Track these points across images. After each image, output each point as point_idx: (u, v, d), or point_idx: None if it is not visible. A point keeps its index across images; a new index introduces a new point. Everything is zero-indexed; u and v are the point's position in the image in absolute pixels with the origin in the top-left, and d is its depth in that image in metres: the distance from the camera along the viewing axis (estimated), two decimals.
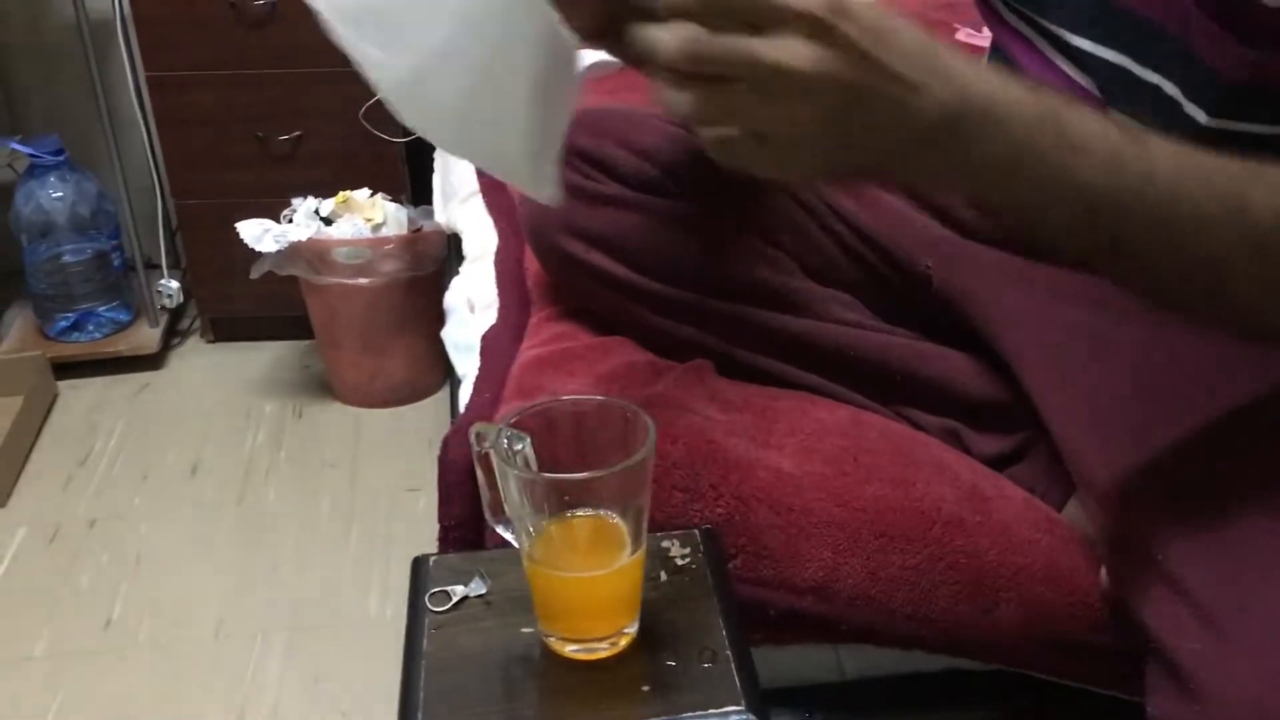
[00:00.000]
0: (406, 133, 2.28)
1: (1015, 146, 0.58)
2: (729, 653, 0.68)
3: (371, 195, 2.19)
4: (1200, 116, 0.73)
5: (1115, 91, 0.79)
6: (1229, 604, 0.64)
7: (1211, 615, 0.64)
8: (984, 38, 2.13)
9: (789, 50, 0.54)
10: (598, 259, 0.95)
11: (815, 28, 0.54)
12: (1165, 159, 0.58)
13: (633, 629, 0.69)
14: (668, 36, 0.56)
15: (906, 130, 0.57)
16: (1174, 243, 0.59)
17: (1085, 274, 0.86)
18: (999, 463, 0.92)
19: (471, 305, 1.29)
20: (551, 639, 0.69)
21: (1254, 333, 0.65)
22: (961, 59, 0.58)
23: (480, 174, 1.60)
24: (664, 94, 0.58)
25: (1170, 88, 0.75)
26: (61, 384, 2.33)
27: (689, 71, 0.56)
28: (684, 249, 0.95)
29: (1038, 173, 0.58)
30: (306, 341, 2.41)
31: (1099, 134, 0.58)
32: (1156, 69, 0.75)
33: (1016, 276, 0.91)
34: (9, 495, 2.02)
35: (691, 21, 0.56)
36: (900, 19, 0.57)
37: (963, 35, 2.14)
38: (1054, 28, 0.81)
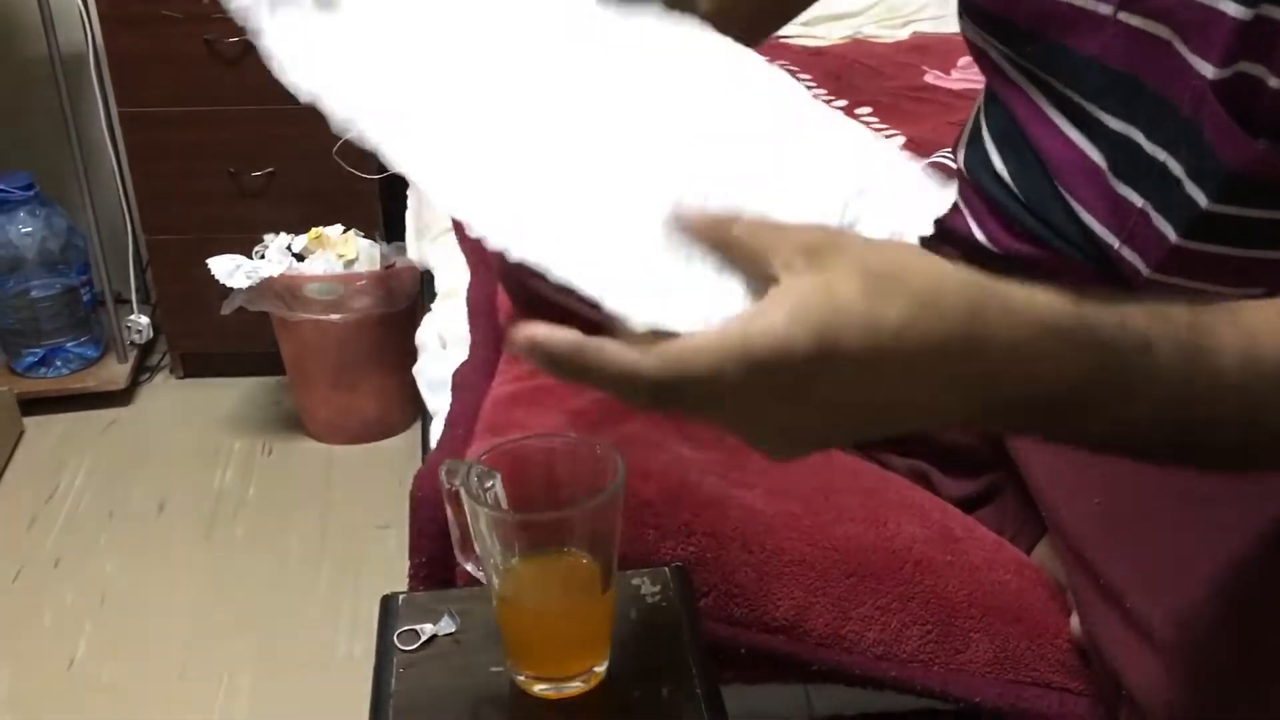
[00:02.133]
0: (380, 169, 2.28)
1: (1070, 409, 0.51)
2: (699, 691, 0.68)
3: (344, 231, 2.19)
4: (1200, 199, 0.73)
5: (1120, 163, 0.79)
6: (1196, 653, 0.64)
7: (1177, 665, 0.64)
8: (952, 80, 2.16)
9: (785, 397, 0.48)
10: (567, 299, 0.95)
11: (805, 375, 0.47)
12: (1231, 358, 0.52)
13: (603, 667, 0.68)
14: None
15: (942, 413, 0.51)
16: (1244, 443, 0.55)
17: None
18: (967, 505, 0.92)
19: (443, 341, 1.29)
20: (521, 678, 0.68)
21: None
22: (1004, 325, 0.48)
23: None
24: None
25: (1175, 167, 0.75)
26: (28, 420, 2.31)
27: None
28: None
29: (1094, 423, 0.52)
30: (277, 377, 2.40)
31: (1167, 369, 0.51)
32: (1165, 147, 0.76)
33: None
34: None
35: None
36: (929, 299, 0.47)
37: (930, 78, 2.18)
38: (1068, 92, 0.82)
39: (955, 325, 0.47)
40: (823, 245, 0.48)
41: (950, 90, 2.09)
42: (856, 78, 2.17)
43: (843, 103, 2.05)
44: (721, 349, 0.47)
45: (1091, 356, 0.50)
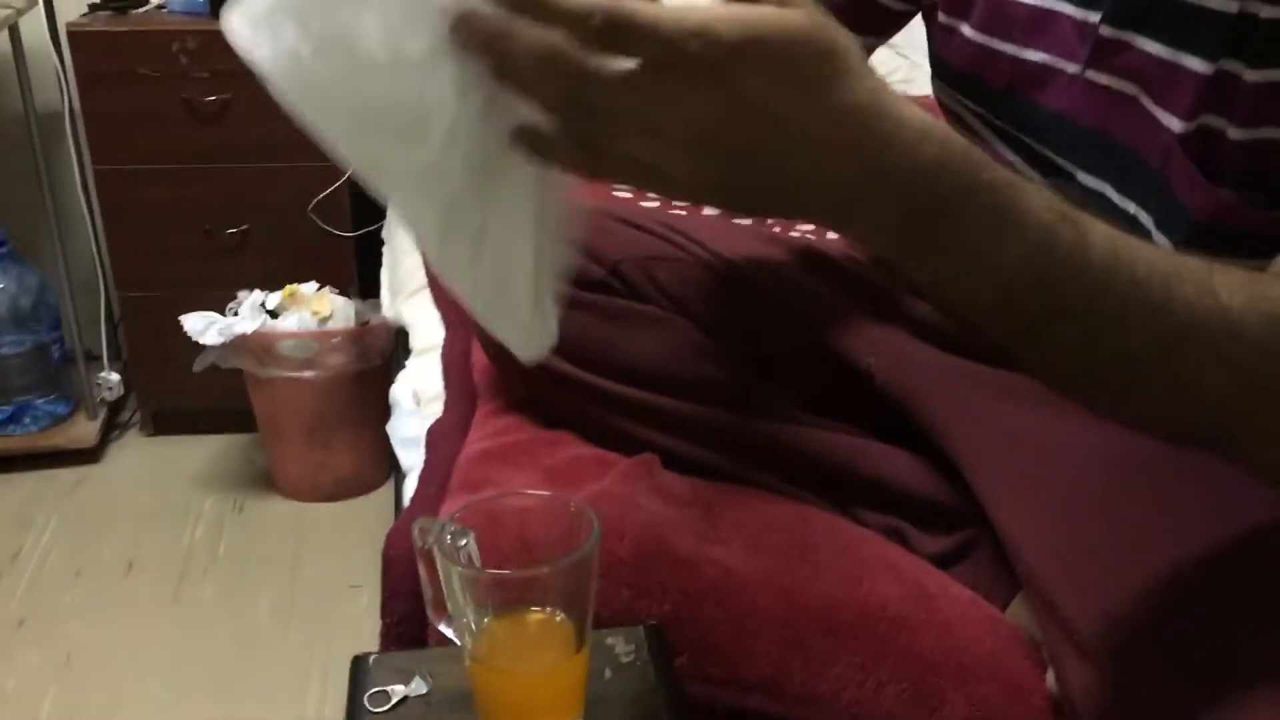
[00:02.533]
0: (356, 227, 2.29)
1: (944, 219, 0.55)
2: None
3: (319, 289, 2.19)
4: (1169, 248, 0.75)
5: (1093, 214, 0.81)
6: (1178, 714, 0.64)
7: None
8: None
9: (674, 88, 0.50)
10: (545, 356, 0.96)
11: (707, 70, 0.49)
12: (1100, 248, 0.57)
13: None
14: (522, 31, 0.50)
15: (818, 186, 0.54)
16: (1089, 337, 0.58)
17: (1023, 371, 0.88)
18: (942, 561, 0.92)
19: (418, 398, 1.28)
20: None
21: (1158, 433, 0.65)
22: (908, 115, 0.54)
23: (428, 268, 1.60)
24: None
25: (1145, 218, 0.77)
26: None
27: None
28: (628, 346, 0.96)
29: (962, 247, 0.56)
30: (249, 435, 2.38)
31: (1034, 215, 0.56)
32: (1135, 199, 0.78)
33: (960, 375, 0.92)
34: None
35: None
36: (841, 48, 0.52)
37: None
38: (1039, 147, 0.84)
39: (871, 82, 0.53)
40: None
41: None
42: None
43: None
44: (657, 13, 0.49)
45: (975, 172, 0.54)
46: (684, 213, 1.25)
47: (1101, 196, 0.80)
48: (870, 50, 1.00)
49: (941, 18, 0.88)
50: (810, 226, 1.80)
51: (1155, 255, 0.58)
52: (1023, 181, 0.57)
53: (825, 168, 0.53)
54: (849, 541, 0.90)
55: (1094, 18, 0.76)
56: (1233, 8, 0.68)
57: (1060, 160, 0.82)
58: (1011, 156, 0.86)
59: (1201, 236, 0.74)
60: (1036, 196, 0.56)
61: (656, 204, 1.90)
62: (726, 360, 0.97)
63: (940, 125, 0.55)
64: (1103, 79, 0.77)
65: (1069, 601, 0.74)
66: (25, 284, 2.28)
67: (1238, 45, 0.68)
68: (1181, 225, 0.74)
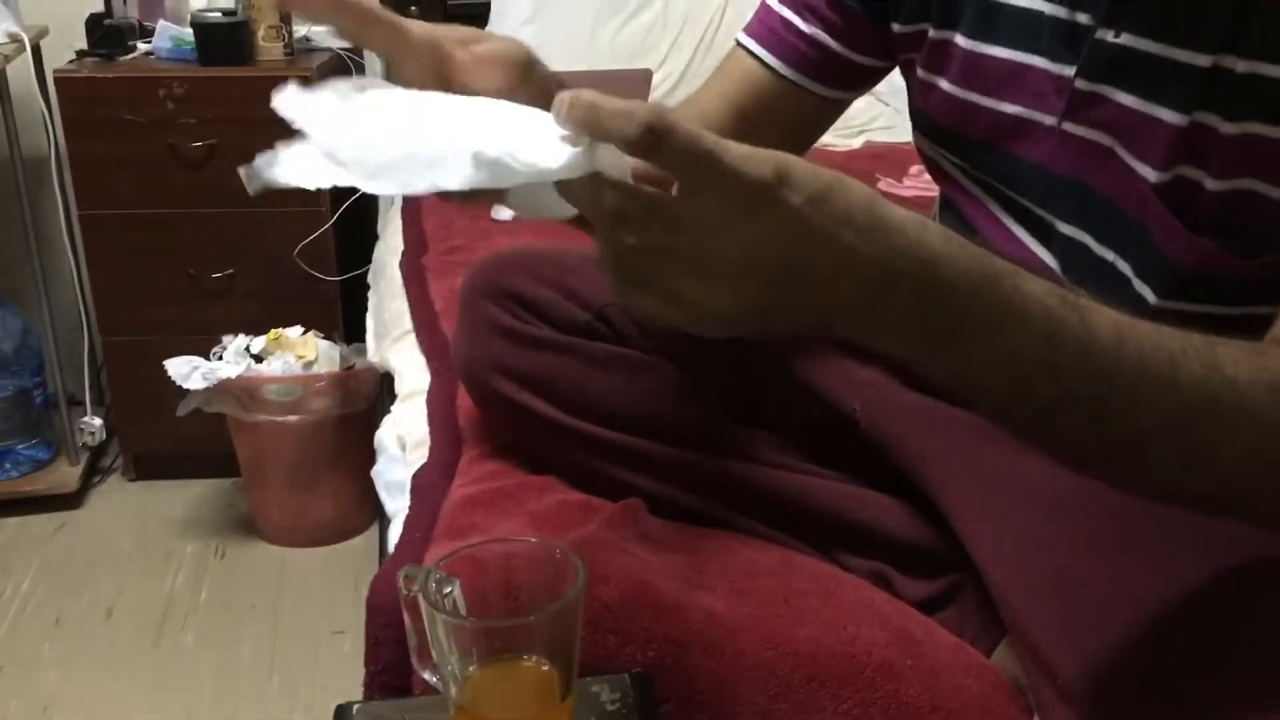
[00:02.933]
0: (341, 271, 2.29)
1: (955, 309, 0.56)
2: None
3: (304, 333, 2.19)
4: (1149, 296, 0.76)
5: (1071, 264, 0.82)
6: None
7: None
8: (904, 187, 2.21)
9: (721, 219, 0.52)
10: (529, 399, 0.97)
11: (760, 196, 0.52)
12: (1105, 331, 0.58)
13: None
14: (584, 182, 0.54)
15: (845, 291, 0.55)
16: (1102, 419, 0.59)
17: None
18: (927, 606, 0.92)
19: (403, 444, 1.28)
20: None
21: (1175, 504, 0.65)
22: (905, 217, 0.56)
23: (414, 313, 1.61)
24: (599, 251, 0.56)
25: (1124, 266, 0.78)
26: None
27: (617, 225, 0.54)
28: (614, 391, 0.96)
29: (974, 338, 0.57)
30: (232, 479, 2.37)
31: (1039, 302, 0.57)
32: (1113, 247, 0.79)
33: (945, 421, 0.93)
34: None
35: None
36: (841, 176, 0.55)
37: (884, 185, 2.22)
38: (1018, 197, 0.85)
39: (865, 198, 0.54)
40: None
41: (903, 197, 2.14)
42: None
43: None
44: (701, 133, 0.51)
45: (978, 262, 0.56)
46: None
47: (1080, 245, 0.81)
48: (843, 106, 1.00)
49: (920, 73, 0.89)
50: None
51: (1159, 334, 0.59)
52: (1024, 270, 0.58)
53: (849, 276, 0.54)
54: (834, 587, 0.90)
55: (1069, 71, 0.77)
56: (1205, 61, 0.70)
57: (1039, 210, 0.83)
58: (993, 208, 0.87)
59: (1182, 285, 0.75)
60: (1038, 284, 0.58)
61: None
62: (711, 404, 0.98)
63: (935, 224, 0.57)
64: (1079, 130, 0.78)
65: (1053, 647, 0.74)
66: (8, 328, 2.28)
67: (1211, 98, 0.70)
68: (1161, 274, 0.75)
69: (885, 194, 2.10)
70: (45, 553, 2.21)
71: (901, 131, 2.51)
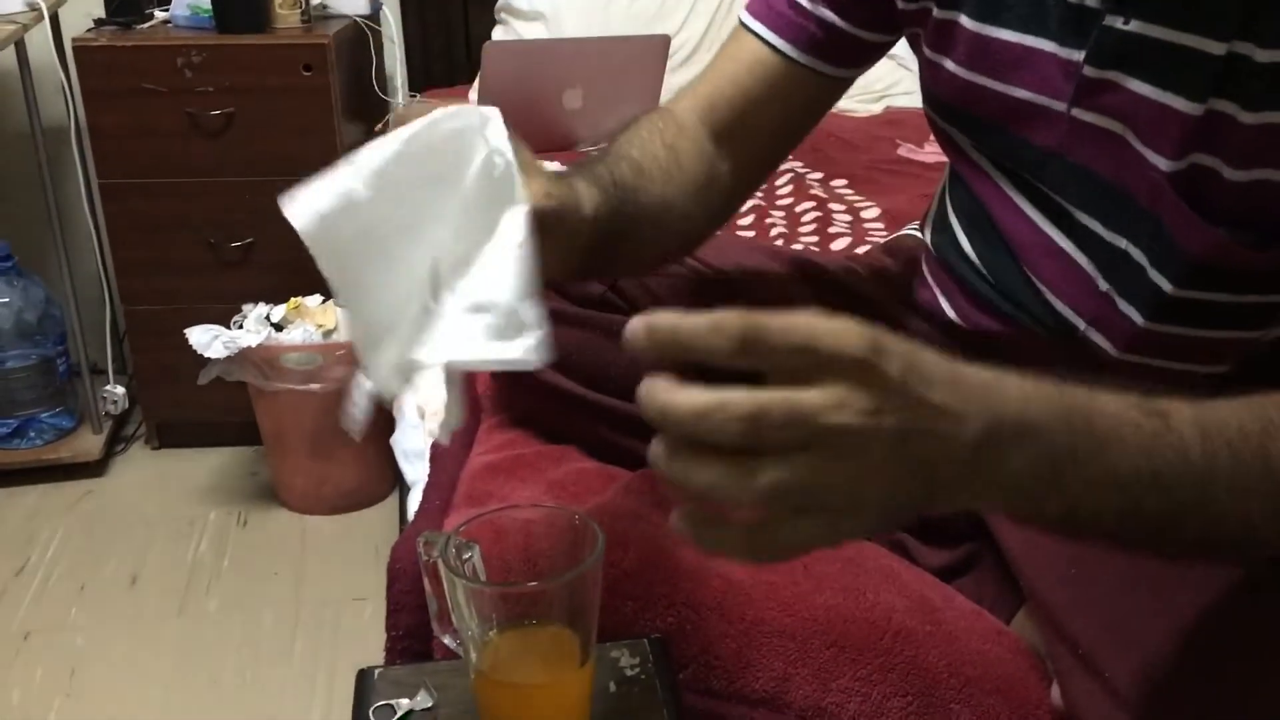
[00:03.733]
0: None
1: (1053, 450, 0.54)
2: None
3: (323, 301, 2.20)
4: (1164, 285, 0.75)
5: (1083, 249, 0.81)
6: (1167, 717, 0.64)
7: None
8: (925, 153, 2.19)
9: (845, 407, 0.49)
10: (546, 373, 0.96)
11: (862, 372, 0.49)
12: (1190, 430, 0.57)
13: None
14: (682, 400, 0.50)
15: (953, 459, 0.52)
16: (1212, 512, 0.57)
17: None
18: (945, 574, 0.92)
19: (421, 412, 1.28)
20: None
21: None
22: (984, 374, 0.54)
23: None
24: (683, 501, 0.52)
25: (1137, 254, 0.77)
26: (0, 491, 2.28)
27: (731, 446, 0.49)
28: (630, 363, 0.95)
29: (1079, 473, 0.55)
30: (253, 448, 2.39)
31: (1127, 420, 0.56)
32: (1126, 235, 0.78)
33: None
34: None
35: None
36: (920, 344, 0.53)
37: (904, 151, 2.21)
38: (1030, 179, 0.84)
39: (941, 357, 0.52)
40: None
41: (923, 163, 2.13)
42: (832, 151, 2.20)
43: (819, 175, 2.08)
44: (790, 323, 0.49)
45: (1076, 393, 0.55)
46: None
47: (1092, 232, 0.80)
48: (850, 82, 0.99)
49: (927, 52, 0.88)
50: (812, 239, 1.81)
51: (1240, 417, 0.58)
52: (1099, 390, 0.57)
53: (952, 438, 0.52)
54: (852, 553, 0.90)
55: (1077, 56, 0.75)
56: (1219, 49, 0.68)
57: (1050, 194, 0.82)
58: (1005, 187, 0.86)
59: (1196, 274, 0.74)
60: (1117, 401, 0.56)
61: None
62: (727, 374, 0.98)
63: (1010, 375, 0.55)
64: (1089, 117, 0.76)
65: (1072, 615, 0.74)
66: (31, 298, 2.29)
67: (1229, 86, 0.68)
68: (1175, 263, 0.75)
69: (905, 159, 2.08)
70: (70, 520, 2.23)
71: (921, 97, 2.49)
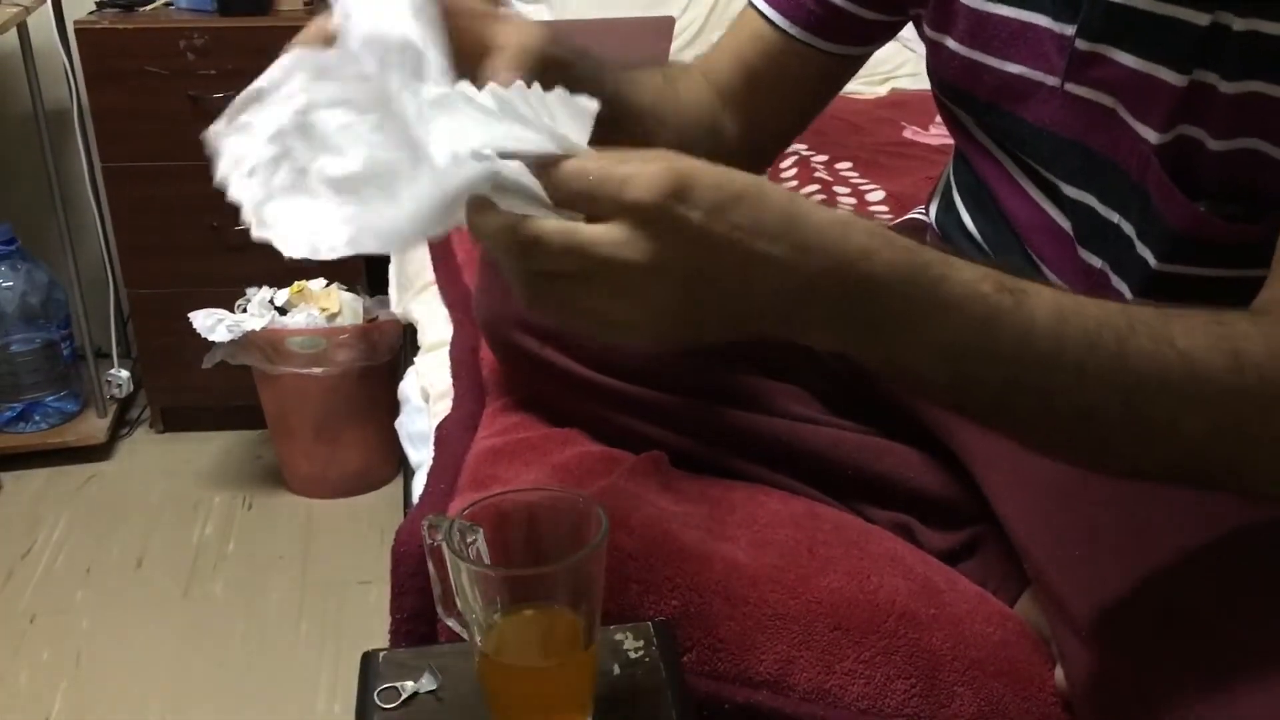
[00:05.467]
0: None
1: (879, 303, 0.56)
2: None
3: (327, 285, 2.20)
4: (1150, 259, 0.76)
5: (1080, 227, 0.82)
6: (1184, 707, 0.64)
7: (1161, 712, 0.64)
8: (930, 136, 2.18)
9: (622, 242, 0.53)
10: (551, 354, 0.96)
11: (651, 215, 0.53)
12: (1045, 313, 0.57)
13: None
14: (487, 221, 0.55)
15: (763, 297, 0.55)
16: (1050, 402, 0.59)
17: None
18: (949, 557, 0.92)
19: (426, 395, 1.28)
20: None
21: (1152, 479, 0.64)
22: (825, 219, 0.56)
23: (436, 265, 1.61)
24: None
25: (1128, 228, 0.78)
26: (5, 475, 2.29)
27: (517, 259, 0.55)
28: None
29: (903, 330, 0.57)
30: (258, 431, 2.39)
31: (974, 291, 0.57)
32: (1117, 209, 0.78)
33: None
34: None
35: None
36: (756, 183, 0.55)
37: (909, 133, 2.20)
38: (1027, 159, 0.84)
39: (781, 203, 0.55)
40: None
41: (928, 145, 2.12)
42: (837, 133, 2.19)
43: (824, 157, 2.07)
44: (583, 165, 0.54)
45: (906, 254, 0.56)
46: None
47: (1086, 208, 0.80)
48: (858, 63, 0.98)
49: (928, 31, 0.88)
50: None
51: (1106, 312, 0.58)
52: (957, 258, 0.58)
53: (762, 281, 0.55)
54: (857, 537, 0.90)
55: (1070, 30, 0.76)
56: (1203, 20, 0.68)
57: (1046, 173, 0.83)
58: (1006, 165, 0.87)
59: (1181, 248, 0.74)
60: (971, 270, 0.57)
61: None
62: (731, 358, 0.97)
63: (862, 219, 0.58)
64: (1081, 91, 0.77)
65: (1076, 598, 0.74)
66: (34, 282, 2.29)
67: (1210, 57, 0.69)
68: (1162, 237, 0.75)
69: (910, 142, 2.08)
70: (75, 504, 2.23)
71: (927, 79, 2.48)
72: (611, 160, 0.54)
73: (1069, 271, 0.84)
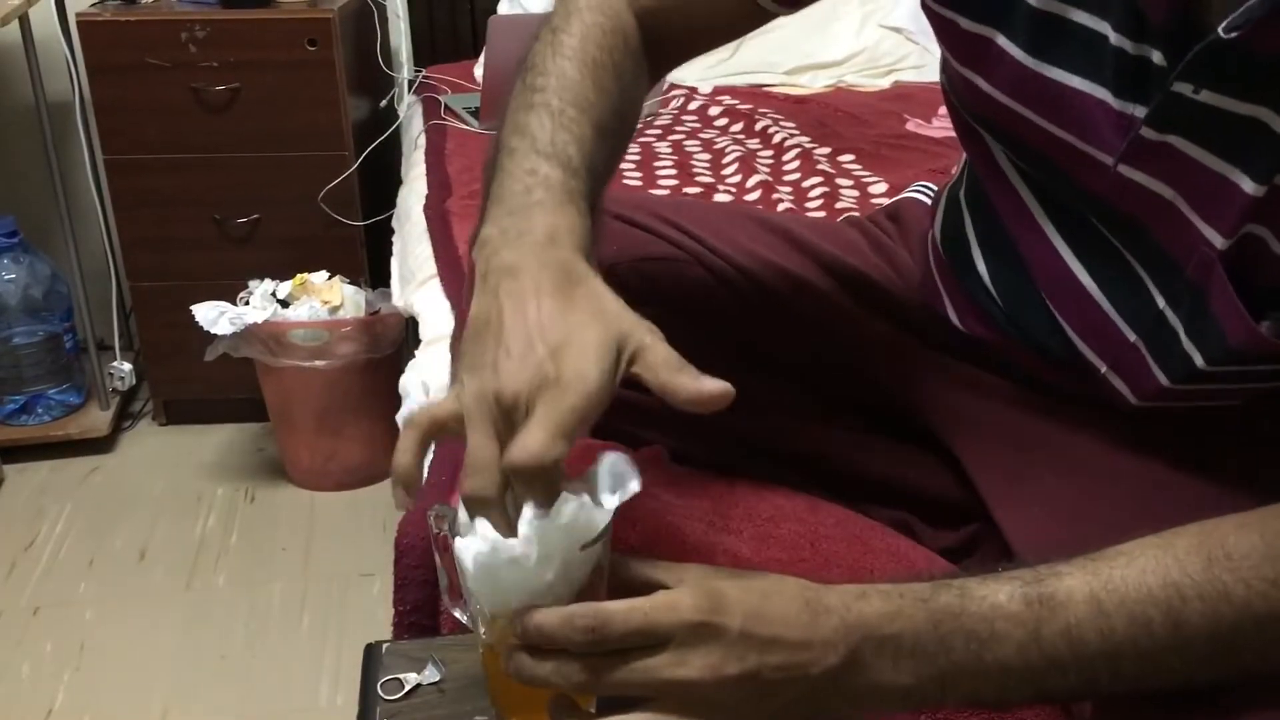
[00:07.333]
0: (366, 216, 2.29)
1: (916, 658, 0.60)
2: None
3: (329, 278, 2.19)
4: (1197, 359, 0.71)
5: (1115, 295, 0.76)
6: (1181, 711, 0.64)
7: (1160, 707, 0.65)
8: (933, 128, 2.18)
9: (685, 664, 0.58)
10: None
11: (700, 633, 0.58)
12: (1084, 609, 0.61)
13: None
14: (561, 672, 0.59)
15: (814, 686, 0.59)
16: (1130, 680, 0.62)
17: (1038, 387, 0.87)
18: (949, 556, 0.92)
19: (428, 388, 1.28)
20: None
21: None
22: (838, 598, 0.61)
23: (438, 258, 1.61)
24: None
25: (1173, 319, 0.73)
26: (8, 468, 2.29)
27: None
28: None
29: (949, 673, 0.61)
30: (260, 424, 2.39)
31: (1003, 615, 0.61)
32: (1165, 296, 0.73)
33: (969, 382, 0.92)
34: None
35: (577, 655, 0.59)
36: (775, 581, 0.62)
37: (912, 126, 2.20)
38: (1071, 206, 0.77)
39: (796, 595, 0.61)
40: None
41: (931, 138, 2.12)
42: (839, 126, 2.19)
43: (826, 150, 2.07)
44: (630, 610, 0.59)
45: (943, 598, 0.61)
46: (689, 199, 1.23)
47: (1131, 279, 0.74)
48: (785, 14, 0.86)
49: (954, 63, 0.79)
50: (819, 215, 1.80)
51: (1147, 585, 0.61)
52: (972, 582, 0.62)
53: (815, 666, 0.59)
54: (859, 532, 0.90)
55: (1132, 111, 0.67)
56: None
57: (1090, 229, 0.76)
58: (1026, 198, 0.81)
59: (1231, 356, 0.70)
60: (994, 590, 0.62)
61: (666, 191, 1.90)
62: (729, 361, 0.96)
63: (872, 588, 0.63)
64: (1137, 177, 0.69)
65: None
66: (37, 274, 2.29)
67: None
68: (1215, 346, 0.70)
69: (913, 134, 2.06)
70: (78, 496, 2.24)
71: (930, 71, 2.48)
72: (648, 601, 0.59)
73: (1091, 334, 0.79)
